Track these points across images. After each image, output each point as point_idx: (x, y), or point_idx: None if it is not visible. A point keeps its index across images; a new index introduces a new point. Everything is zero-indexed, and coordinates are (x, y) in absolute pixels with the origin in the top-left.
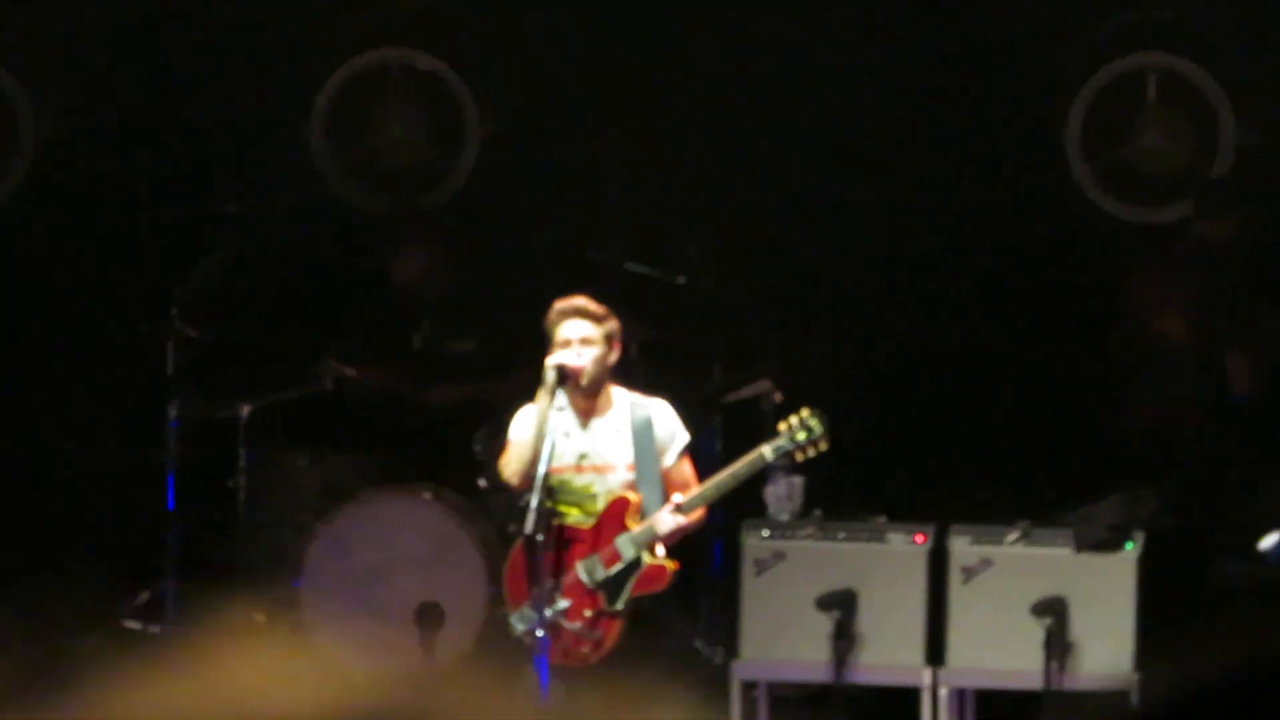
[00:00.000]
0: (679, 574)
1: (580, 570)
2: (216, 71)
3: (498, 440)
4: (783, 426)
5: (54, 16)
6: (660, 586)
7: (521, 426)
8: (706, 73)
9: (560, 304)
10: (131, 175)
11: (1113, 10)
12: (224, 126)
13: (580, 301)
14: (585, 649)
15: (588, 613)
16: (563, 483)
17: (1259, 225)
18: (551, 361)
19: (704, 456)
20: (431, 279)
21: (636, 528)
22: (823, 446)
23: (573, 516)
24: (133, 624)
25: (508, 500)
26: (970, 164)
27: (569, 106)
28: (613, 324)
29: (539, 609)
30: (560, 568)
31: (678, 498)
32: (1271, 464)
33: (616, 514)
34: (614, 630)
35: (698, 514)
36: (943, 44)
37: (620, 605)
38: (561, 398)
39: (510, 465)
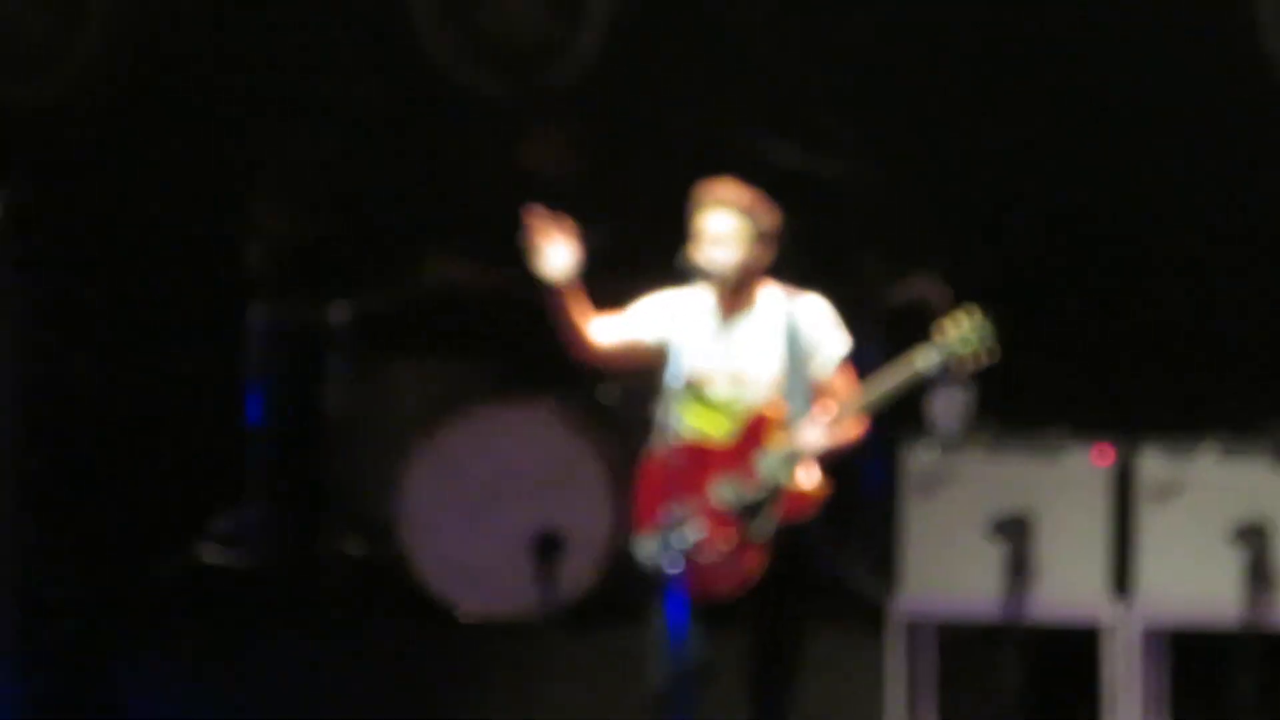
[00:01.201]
0: (833, 500)
1: (717, 493)
2: None
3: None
4: (941, 332)
5: None
6: (806, 511)
7: (643, 314)
8: None
9: (705, 191)
10: (215, 53)
11: None
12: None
13: (726, 190)
14: (723, 583)
15: (726, 542)
16: (698, 391)
17: None
18: (685, 259)
19: (868, 366)
20: (555, 167)
21: (781, 445)
22: (988, 357)
23: (710, 431)
24: (213, 555)
25: (638, 413)
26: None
27: None
28: (765, 217)
29: (673, 530)
30: (695, 490)
31: (828, 412)
32: None
33: (757, 428)
34: (756, 562)
35: (852, 431)
36: None
37: (763, 533)
38: (703, 296)
39: (605, 338)
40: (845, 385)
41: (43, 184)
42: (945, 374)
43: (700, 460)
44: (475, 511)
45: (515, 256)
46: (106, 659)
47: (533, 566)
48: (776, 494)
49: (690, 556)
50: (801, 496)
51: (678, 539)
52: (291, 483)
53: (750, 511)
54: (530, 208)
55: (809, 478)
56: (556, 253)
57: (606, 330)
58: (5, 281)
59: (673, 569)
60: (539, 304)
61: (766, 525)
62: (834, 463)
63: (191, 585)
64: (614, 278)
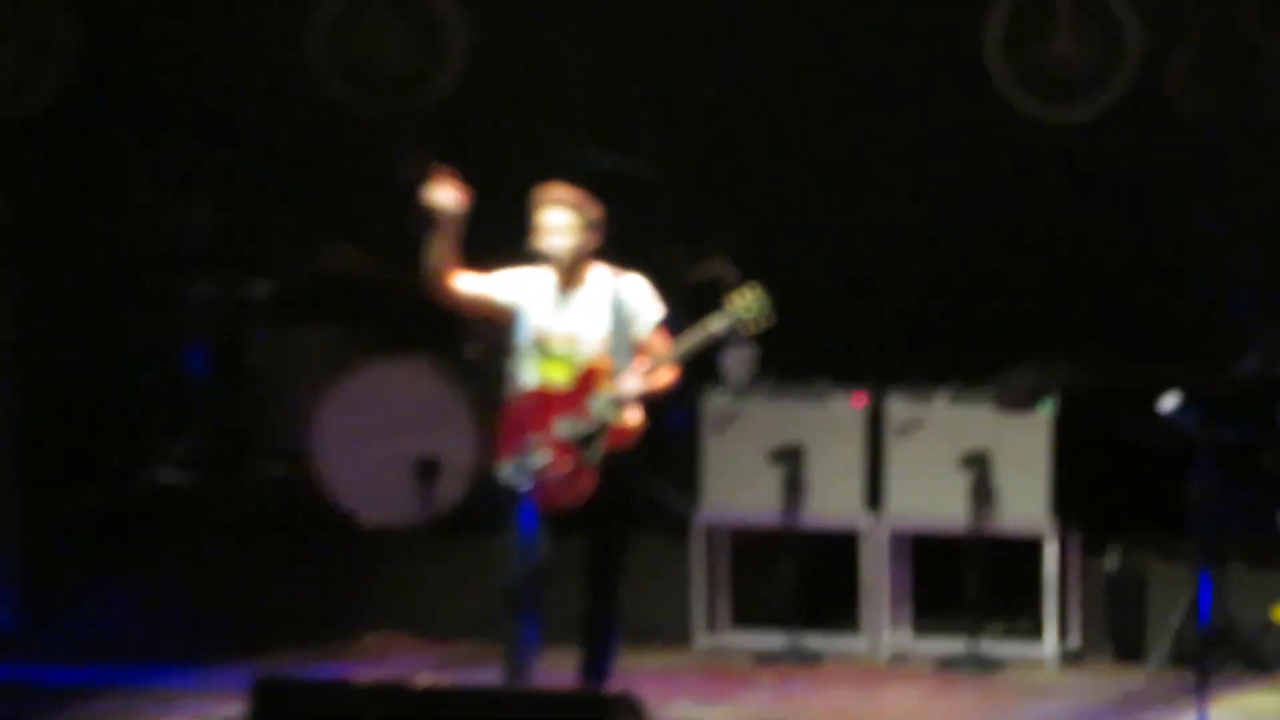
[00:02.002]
0: (648, 433)
1: (559, 427)
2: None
3: (485, 323)
4: (728, 303)
5: None
6: (627, 442)
7: (497, 281)
8: None
9: (540, 192)
10: (151, 79)
11: None
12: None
13: (559, 191)
14: (562, 497)
15: (565, 466)
16: (544, 347)
17: None
18: (531, 245)
19: (674, 329)
20: (428, 174)
21: (607, 391)
22: (764, 323)
23: (553, 380)
24: (167, 476)
25: (496, 366)
26: (895, 63)
27: (545, 26)
28: (590, 211)
29: (524, 458)
30: (542, 426)
31: (643, 364)
32: (1169, 333)
33: (590, 378)
34: (589, 481)
35: (663, 379)
36: None
37: (594, 459)
38: (544, 275)
39: (458, 286)
40: (658, 344)
41: (18, 191)
42: (734, 335)
43: (545, 403)
44: (369, 443)
45: (395, 247)
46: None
47: (414, 486)
48: (604, 429)
49: (538, 477)
50: (623, 430)
51: (529, 463)
52: (227, 420)
53: (584, 442)
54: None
55: (630, 416)
56: (445, 194)
57: (467, 281)
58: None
59: (525, 487)
60: (413, 285)
61: (596, 453)
62: (649, 404)
63: (149, 500)
64: (474, 263)
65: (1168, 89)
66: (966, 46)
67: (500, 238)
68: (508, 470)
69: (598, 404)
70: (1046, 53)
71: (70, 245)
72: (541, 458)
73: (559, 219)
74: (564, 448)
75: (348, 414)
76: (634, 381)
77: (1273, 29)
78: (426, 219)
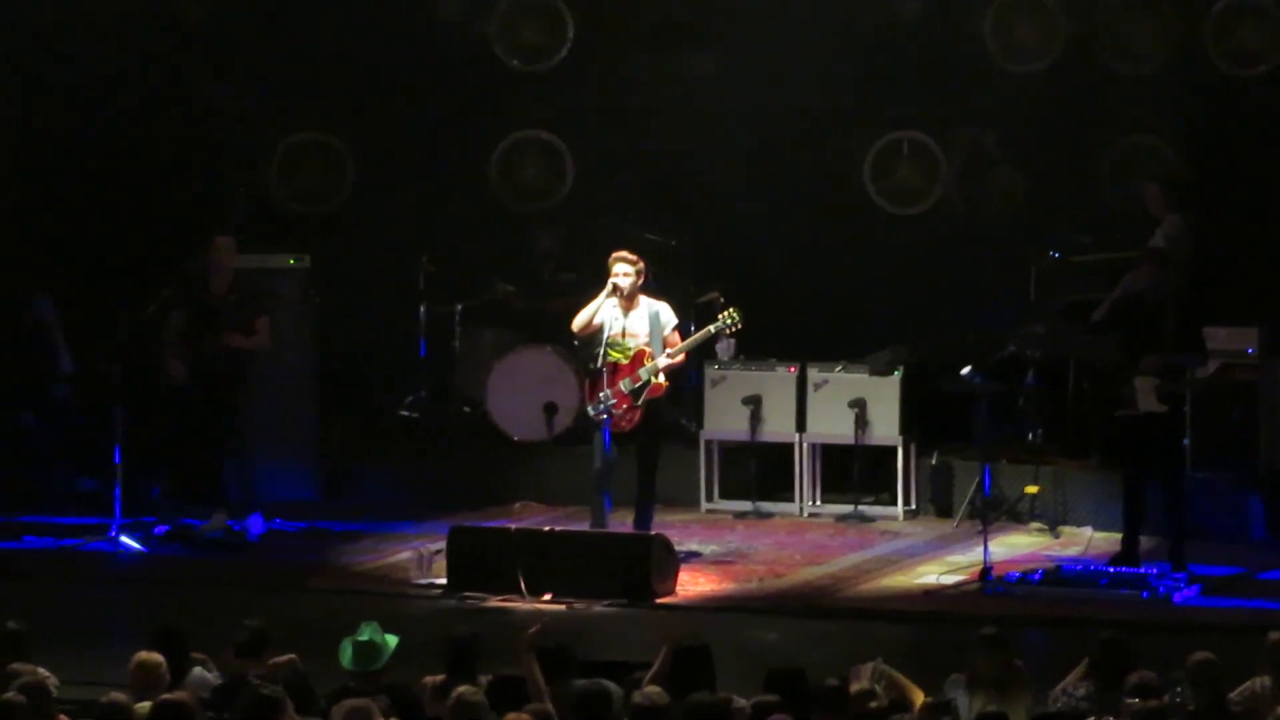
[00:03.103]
0: (673, 388)
1: (621, 385)
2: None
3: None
4: (719, 316)
5: None
6: (659, 394)
7: (592, 308)
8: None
9: (615, 254)
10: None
11: None
12: None
13: (624, 253)
14: (624, 424)
15: (624, 405)
16: (613, 342)
17: None
18: (610, 283)
19: (685, 331)
20: (553, 245)
21: (649, 364)
22: (738, 327)
23: (617, 359)
24: (405, 412)
25: (588, 352)
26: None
27: (628, 158)
28: (641, 264)
29: (602, 403)
30: (612, 384)
31: (669, 351)
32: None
33: (639, 358)
34: (637, 415)
35: (680, 359)
36: None
37: (639, 402)
38: (614, 301)
39: (578, 322)
40: (675, 340)
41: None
42: (721, 334)
43: (614, 372)
44: (519, 393)
45: (537, 282)
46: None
47: (544, 419)
48: (647, 385)
49: (610, 413)
50: (658, 387)
51: (604, 404)
52: (438, 382)
53: (635, 394)
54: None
55: (661, 379)
56: (623, 278)
57: (586, 324)
58: None
59: (602, 418)
60: (542, 307)
61: (642, 398)
62: (673, 373)
63: (398, 425)
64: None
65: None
66: (850, 172)
67: (594, 280)
68: (592, 408)
69: (644, 372)
70: (895, 177)
71: (353, 286)
72: (611, 400)
73: (624, 268)
74: (624, 396)
75: (506, 377)
76: (663, 360)
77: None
78: (566, 282)
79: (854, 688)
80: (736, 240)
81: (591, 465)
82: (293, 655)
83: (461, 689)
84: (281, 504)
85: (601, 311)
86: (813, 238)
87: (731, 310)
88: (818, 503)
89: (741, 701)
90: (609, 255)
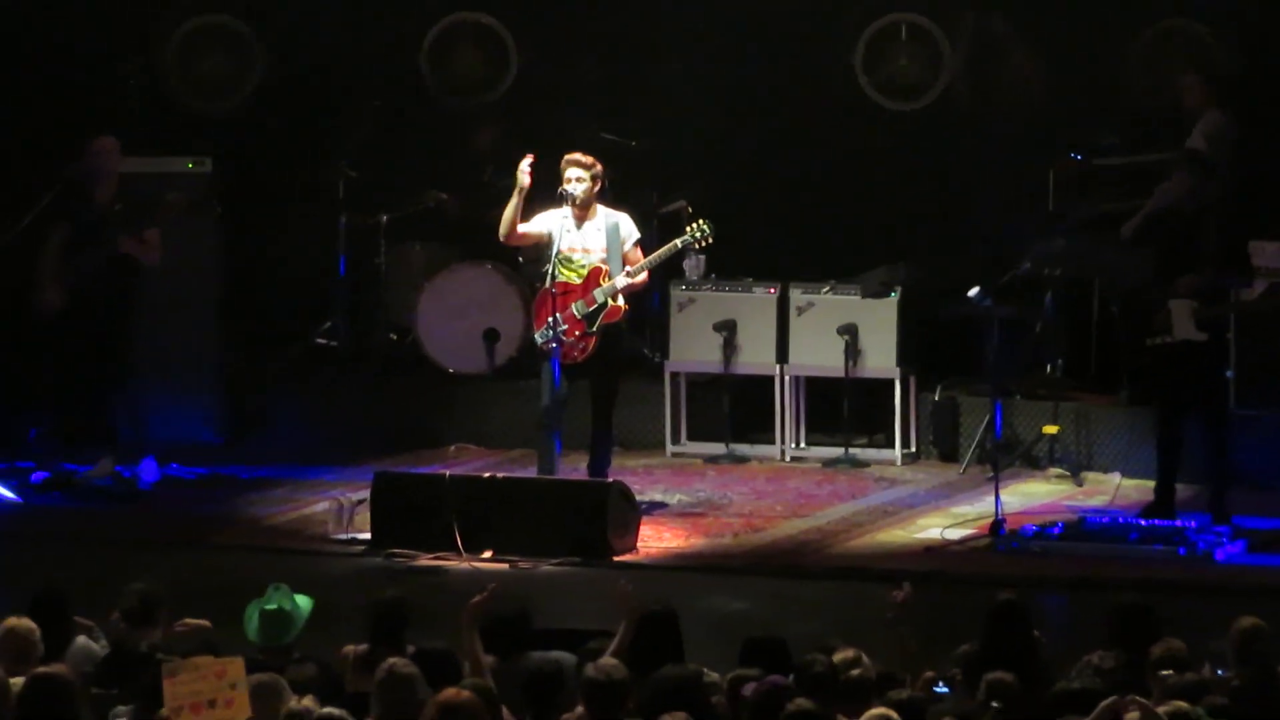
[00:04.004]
0: (633, 313)
1: (573, 308)
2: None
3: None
4: (687, 228)
5: None
6: (617, 319)
7: (537, 219)
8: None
9: (566, 156)
10: (312, 91)
11: None
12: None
13: (576, 155)
14: (576, 354)
15: (577, 332)
16: (564, 259)
17: None
18: (560, 190)
19: (648, 246)
20: (494, 146)
21: (605, 284)
22: (709, 241)
23: (569, 278)
24: (320, 341)
25: (535, 270)
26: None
27: (572, 49)
28: (598, 168)
29: (551, 329)
30: (563, 308)
31: (628, 269)
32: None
33: (594, 276)
34: (592, 343)
35: (643, 279)
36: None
37: (594, 329)
38: (566, 210)
39: (502, 228)
40: (637, 257)
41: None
42: (689, 249)
43: (564, 293)
44: (454, 318)
45: (473, 187)
46: None
47: (483, 348)
48: (602, 309)
49: (560, 341)
50: (615, 310)
51: (554, 331)
52: (360, 305)
53: (589, 318)
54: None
55: (618, 301)
56: (524, 171)
57: (521, 228)
58: None
59: (551, 346)
60: (482, 218)
61: (597, 325)
62: (635, 296)
63: (311, 356)
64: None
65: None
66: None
67: (542, 187)
68: (540, 335)
69: (599, 293)
70: (891, 68)
71: (261, 192)
72: (561, 326)
73: (576, 173)
74: (576, 322)
75: (439, 299)
76: (622, 280)
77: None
78: (510, 186)
79: (837, 657)
80: (706, 141)
81: (539, 402)
82: (205, 622)
83: (393, 660)
84: (178, 446)
85: (550, 222)
86: (795, 138)
87: (701, 222)
88: (802, 445)
89: (714, 676)
90: (559, 158)
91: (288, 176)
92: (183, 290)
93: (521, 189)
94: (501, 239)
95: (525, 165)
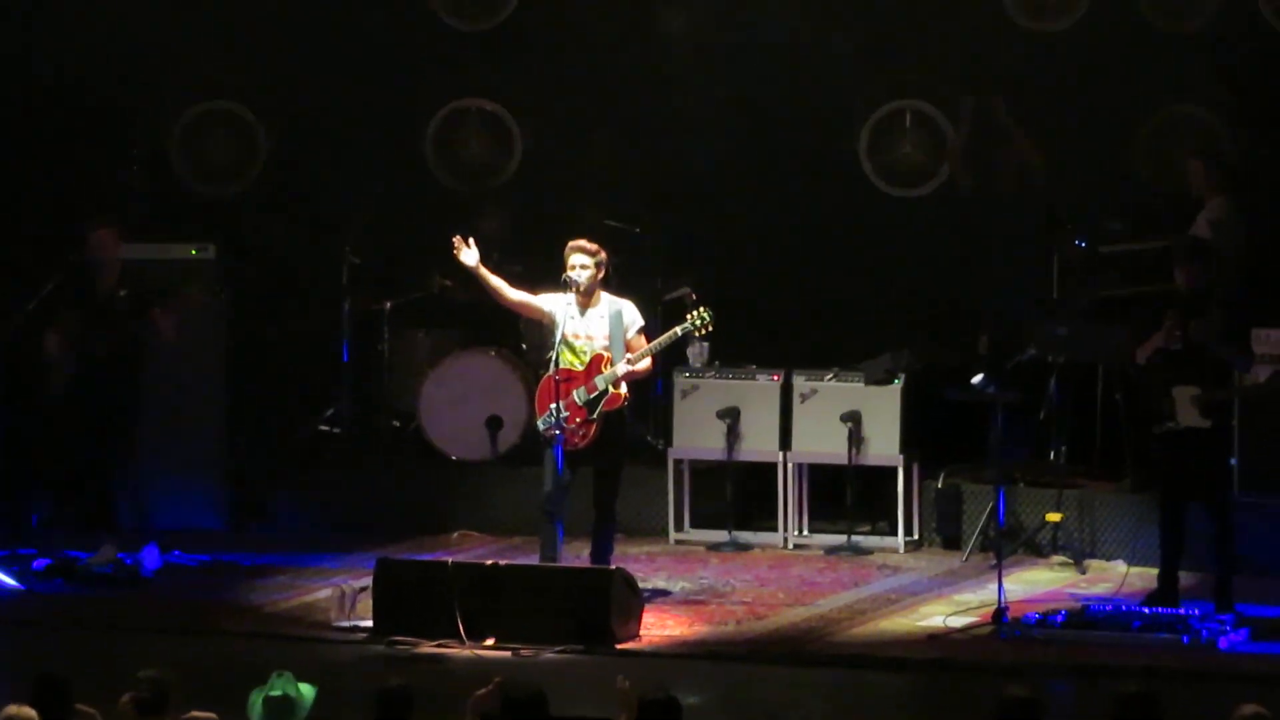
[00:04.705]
0: (636, 399)
1: (574, 395)
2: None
3: (533, 325)
4: (688, 316)
5: None
6: (618, 405)
7: (541, 298)
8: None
9: (571, 243)
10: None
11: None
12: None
13: (581, 242)
14: (578, 439)
15: (578, 419)
16: (569, 344)
17: None
18: (564, 277)
19: (651, 333)
20: (499, 231)
21: (606, 371)
22: (710, 329)
23: (574, 364)
24: (324, 427)
25: (538, 356)
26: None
27: (575, 135)
28: (601, 255)
29: (553, 415)
30: (565, 395)
31: (629, 356)
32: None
33: (596, 363)
34: (593, 430)
35: (645, 366)
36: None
37: (594, 415)
38: (570, 296)
39: (511, 296)
40: (639, 344)
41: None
42: (692, 336)
43: (568, 379)
44: (458, 405)
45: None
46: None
47: (487, 434)
48: (604, 396)
49: (562, 428)
50: (616, 396)
51: (556, 417)
52: (363, 391)
53: (590, 405)
54: (457, 237)
55: (620, 388)
56: (467, 254)
57: (516, 294)
58: None
59: (554, 433)
60: (486, 305)
61: (597, 411)
62: (638, 383)
63: (314, 442)
64: (529, 287)
65: (950, 168)
66: (845, 154)
67: (546, 273)
68: (542, 422)
69: (601, 379)
70: (894, 154)
71: (266, 278)
72: (563, 413)
73: (580, 260)
74: (577, 408)
75: (442, 386)
76: (623, 367)
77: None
78: (517, 273)
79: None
80: (711, 228)
81: (542, 489)
82: (211, 715)
83: None
84: (181, 533)
85: (554, 305)
86: (799, 224)
87: (701, 310)
88: (805, 532)
89: None
90: (564, 244)
91: (292, 262)
92: (186, 376)
93: (471, 270)
94: (512, 300)
95: (459, 254)
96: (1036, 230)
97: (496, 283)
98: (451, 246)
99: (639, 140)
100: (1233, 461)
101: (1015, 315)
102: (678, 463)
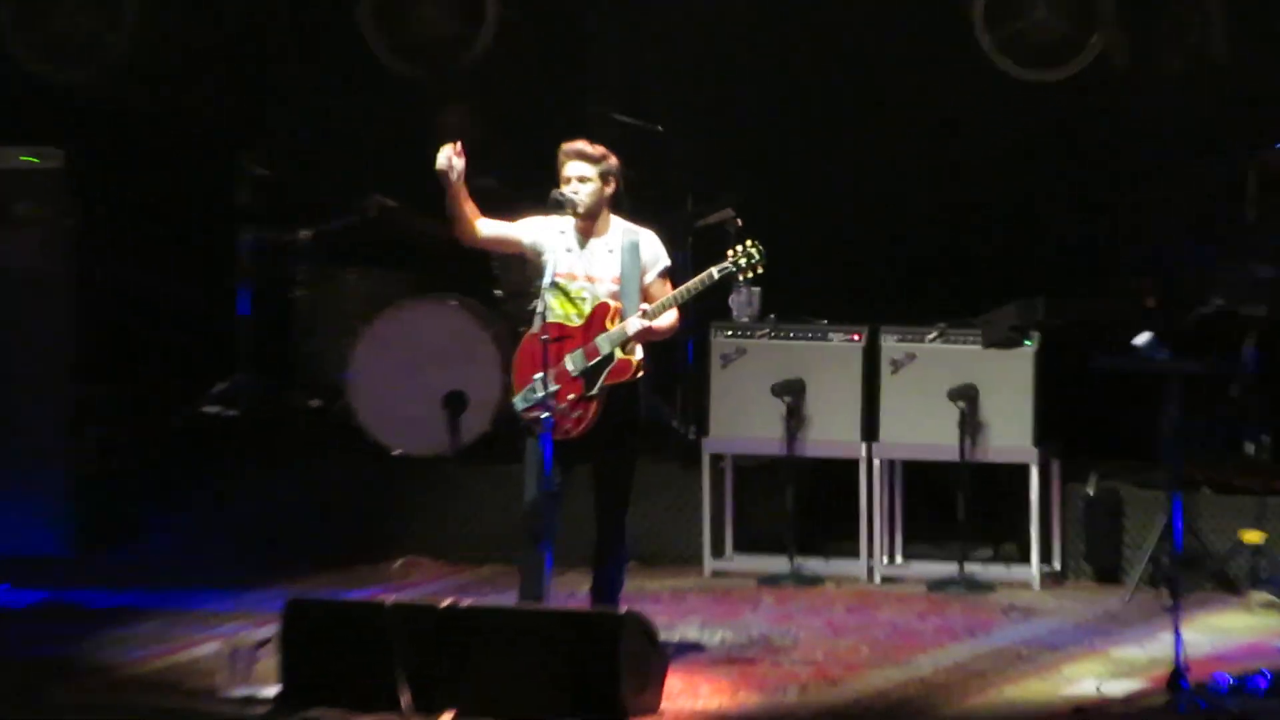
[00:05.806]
0: (657, 368)
1: (567, 362)
2: None
3: (511, 263)
4: (729, 253)
5: None
6: (627, 377)
7: (522, 225)
8: None
9: (564, 146)
10: (205, 57)
11: None
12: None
13: (580, 145)
14: (569, 425)
15: (571, 395)
16: (562, 288)
17: None
18: (556, 194)
19: (680, 275)
20: (458, 130)
21: (613, 328)
22: (760, 270)
23: (566, 315)
24: (212, 409)
25: (517, 307)
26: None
27: None
28: (609, 162)
29: (536, 390)
30: (555, 361)
31: (646, 307)
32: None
33: (599, 317)
34: (592, 411)
35: (669, 321)
36: None
37: (595, 391)
38: (565, 222)
39: (483, 231)
40: (663, 290)
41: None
42: (736, 279)
43: (559, 339)
44: (401, 377)
45: (431, 193)
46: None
47: (442, 419)
48: (607, 363)
49: (550, 406)
50: (625, 364)
51: (541, 394)
52: (269, 357)
53: (589, 376)
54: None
55: (632, 352)
56: (443, 158)
57: (489, 225)
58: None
59: (533, 414)
60: (444, 232)
61: (599, 386)
62: (661, 345)
63: (197, 430)
64: (506, 209)
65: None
66: (954, 21)
67: (529, 188)
68: (520, 400)
69: (605, 340)
70: (1025, 22)
71: (131, 195)
72: (551, 388)
73: (580, 169)
74: (571, 380)
75: (381, 351)
76: (636, 323)
77: None
78: (487, 187)
79: None
80: (761, 126)
81: (522, 497)
82: None
83: None
84: (11, 561)
85: (541, 233)
86: (887, 122)
87: (749, 243)
88: (898, 560)
89: None
90: (555, 149)
91: (170, 176)
92: (14, 338)
93: (450, 187)
94: (463, 236)
95: (444, 156)
96: (1223, 128)
97: (470, 211)
98: (408, 151)
99: (658, 7)
100: None
101: (1194, 253)
102: (717, 459)
